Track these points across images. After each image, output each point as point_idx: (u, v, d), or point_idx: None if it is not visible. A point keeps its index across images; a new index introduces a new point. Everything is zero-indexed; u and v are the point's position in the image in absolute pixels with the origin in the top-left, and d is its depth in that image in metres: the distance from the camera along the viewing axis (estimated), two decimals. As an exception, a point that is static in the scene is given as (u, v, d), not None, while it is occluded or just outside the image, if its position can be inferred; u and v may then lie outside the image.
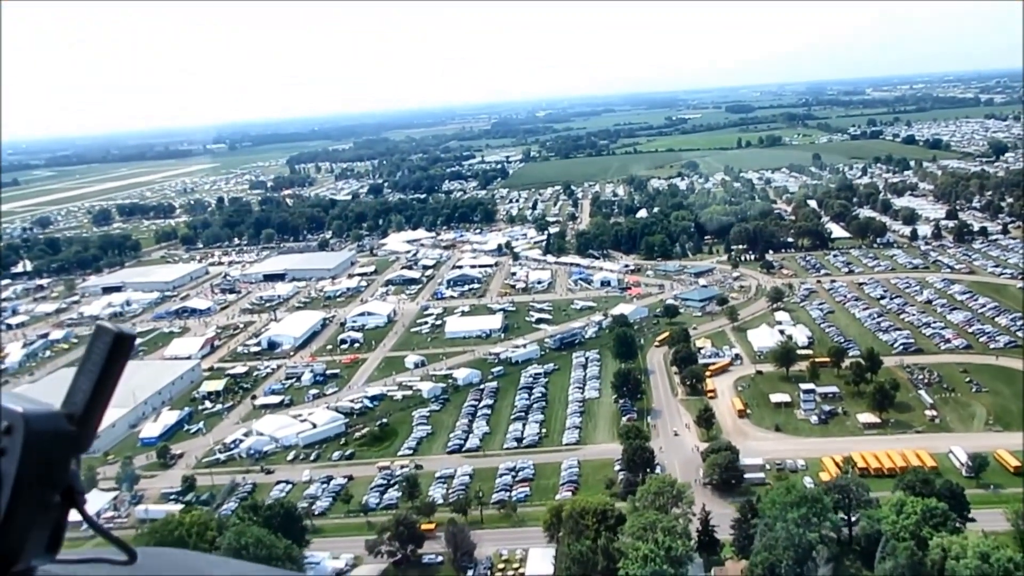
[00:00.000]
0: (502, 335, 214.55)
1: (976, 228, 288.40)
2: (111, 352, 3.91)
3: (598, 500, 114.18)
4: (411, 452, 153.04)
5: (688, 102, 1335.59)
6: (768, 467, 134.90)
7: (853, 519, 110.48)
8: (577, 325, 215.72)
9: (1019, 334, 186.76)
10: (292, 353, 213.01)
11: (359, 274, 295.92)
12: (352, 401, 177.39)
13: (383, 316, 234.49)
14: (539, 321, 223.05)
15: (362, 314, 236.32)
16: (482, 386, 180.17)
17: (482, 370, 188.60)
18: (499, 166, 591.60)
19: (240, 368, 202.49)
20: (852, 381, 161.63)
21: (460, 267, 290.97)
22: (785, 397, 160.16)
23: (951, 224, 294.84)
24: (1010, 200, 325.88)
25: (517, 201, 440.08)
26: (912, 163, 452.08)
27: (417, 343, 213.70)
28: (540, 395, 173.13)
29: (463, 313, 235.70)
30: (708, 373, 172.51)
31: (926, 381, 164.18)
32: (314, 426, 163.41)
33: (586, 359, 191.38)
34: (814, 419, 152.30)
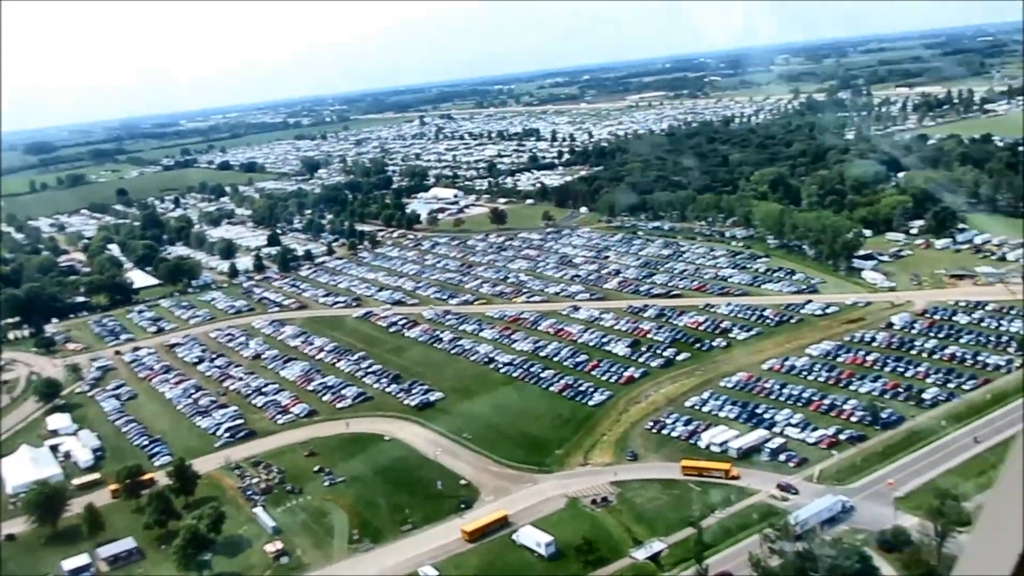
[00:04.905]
0: None
1: (300, 252, 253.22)
2: None
3: None
4: None
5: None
6: None
7: None
8: None
9: (368, 384, 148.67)
10: None
11: None
12: None
13: None
14: None
15: None
16: None
17: None
18: None
19: None
20: (156, 520, 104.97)
21: None
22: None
23: (274, 252, 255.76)
24: (330, 216, 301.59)
25: None
26: (228, 189, 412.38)
27: None
28: None
29: None
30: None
31: (264, 487, 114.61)
32: None
33: None
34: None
